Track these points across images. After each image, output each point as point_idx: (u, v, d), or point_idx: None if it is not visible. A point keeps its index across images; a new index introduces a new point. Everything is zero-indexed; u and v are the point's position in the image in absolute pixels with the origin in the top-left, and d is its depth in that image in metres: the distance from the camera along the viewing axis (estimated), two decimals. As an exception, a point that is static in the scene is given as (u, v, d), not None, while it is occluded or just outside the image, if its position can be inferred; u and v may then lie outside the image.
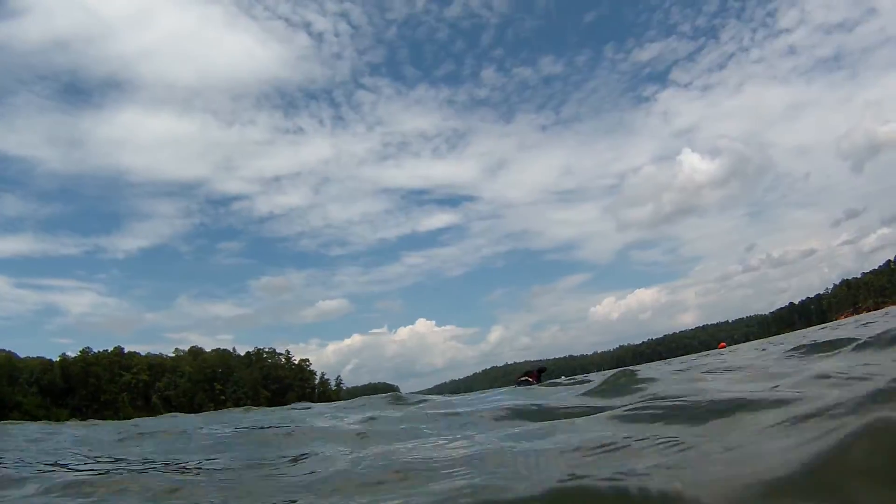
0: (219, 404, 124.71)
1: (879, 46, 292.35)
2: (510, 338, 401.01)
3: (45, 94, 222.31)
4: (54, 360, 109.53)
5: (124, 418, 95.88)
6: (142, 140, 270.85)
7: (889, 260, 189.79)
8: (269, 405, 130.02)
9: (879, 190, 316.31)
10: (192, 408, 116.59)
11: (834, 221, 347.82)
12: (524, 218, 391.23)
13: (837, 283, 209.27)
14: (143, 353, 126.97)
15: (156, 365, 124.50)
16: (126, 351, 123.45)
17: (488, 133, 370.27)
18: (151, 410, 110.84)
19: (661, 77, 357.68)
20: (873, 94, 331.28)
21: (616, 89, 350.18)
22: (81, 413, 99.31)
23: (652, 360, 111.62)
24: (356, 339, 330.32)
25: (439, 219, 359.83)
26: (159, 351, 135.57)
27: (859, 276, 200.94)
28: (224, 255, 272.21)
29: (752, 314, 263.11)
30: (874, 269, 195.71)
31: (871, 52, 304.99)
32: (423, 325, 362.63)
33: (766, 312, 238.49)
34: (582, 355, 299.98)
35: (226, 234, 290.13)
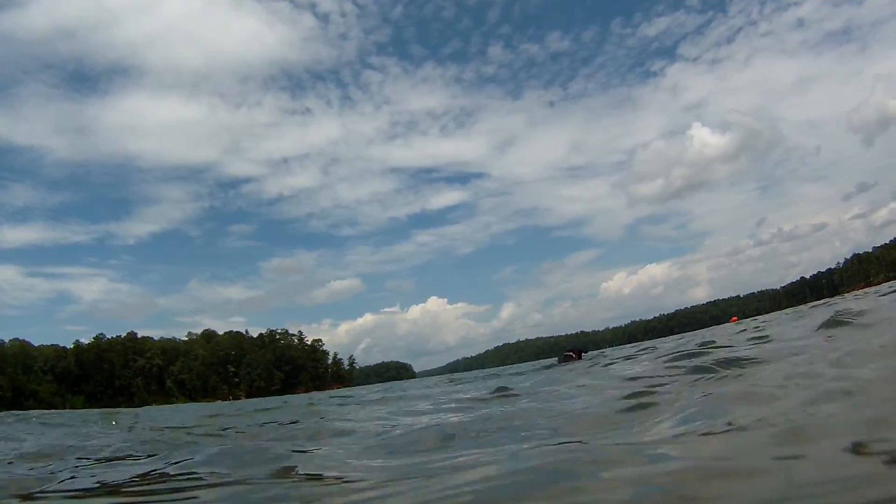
0: (233, 387, 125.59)
1: (889, 19, 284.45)
2: (521, 314, 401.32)
3: (52, 82, 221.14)
4: (68, 347, 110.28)
5: (139, 403, 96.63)
6: (150, 125, 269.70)
7: None
8: (283, 387, 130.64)
9: (891, 164, 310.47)
10: (206, 391, 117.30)
11: (845, 195, 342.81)
12: (533, 195, 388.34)
13: (849, 257, 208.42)
14: (156, 338, 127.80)
15: (169, 349, 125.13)
16: (139, 336, 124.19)
17: (496, 110, 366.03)
18: (166, 395, 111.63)
19: (669, 52, 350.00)
20: (884, 67, 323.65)
21: (624, 64, 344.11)
22: (96, 399, 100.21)
23: (663, 335, 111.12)
24: (368, 319, 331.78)
25: (448, 197, 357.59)
26: (172, 335, 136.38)
27: (870, 250, 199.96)
28: (234, 237, 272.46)
29: (763, 288, 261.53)
30: (885, 244, 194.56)
31: (882, 25, 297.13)
32: (434, 303, 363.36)
33: (778, 287, 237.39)
34: (594, 331, 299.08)
35: (235, 217, 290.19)
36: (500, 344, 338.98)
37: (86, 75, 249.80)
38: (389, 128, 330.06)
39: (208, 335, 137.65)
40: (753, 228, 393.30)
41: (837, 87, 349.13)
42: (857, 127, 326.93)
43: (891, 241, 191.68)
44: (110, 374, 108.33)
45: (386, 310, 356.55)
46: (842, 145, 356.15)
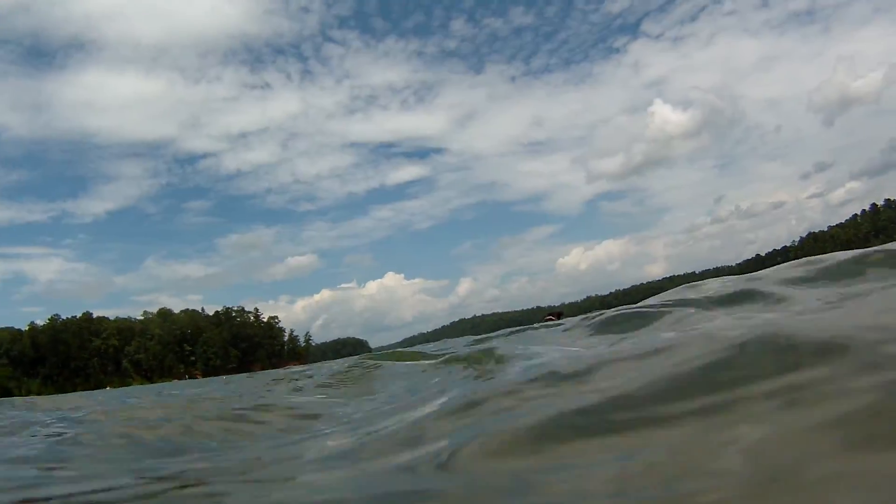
0: (189, 366, 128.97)
1: (853, 1, 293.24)
2: (479, 290, 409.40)
3: (8, 58, 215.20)
4: (24, 329, 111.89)
5: (96, 385, 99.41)
6: (107, 101, 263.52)
7: (856, 214, 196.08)
8: (239, 365, 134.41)
9: (849, 144, 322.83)
10: (163, 371, 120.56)
11: (803, 174, 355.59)
12: (493, 169, 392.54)
13: (805, 235, 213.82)
14: (112, 318, 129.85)
15: (125, 329, 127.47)
16: (95, 316, 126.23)
17: (457, 85, 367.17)
18: (122, 376, 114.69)
19: (632, 28, 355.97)
20: (846, 48, 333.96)
21: (587, 40, 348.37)
22: (52, 382, 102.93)
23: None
24: (325, 295, 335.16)
25: (408, 172, 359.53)
26: (129, 314, 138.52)
27: (826, 229, 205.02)
28: (192, 214, 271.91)
29: (719, 265, 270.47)
30: (841, 223, 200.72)
31: (845, 6, 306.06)
32: (392, 278, 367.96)
33: (734, 264, 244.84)
34: (549, 306, 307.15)
35: (193, 194, 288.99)
36: (457, 319, 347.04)
37: (42, 51, 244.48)
38: (349, 102, 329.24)
39: (164, 314, 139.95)
40: (711, 206, 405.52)
41: (799, 67, 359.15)
42: (818, 107, 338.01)
43: (847, 220, 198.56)
44: (66, 355, 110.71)
45: (343, 286, 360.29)
46: (802, 125, 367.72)
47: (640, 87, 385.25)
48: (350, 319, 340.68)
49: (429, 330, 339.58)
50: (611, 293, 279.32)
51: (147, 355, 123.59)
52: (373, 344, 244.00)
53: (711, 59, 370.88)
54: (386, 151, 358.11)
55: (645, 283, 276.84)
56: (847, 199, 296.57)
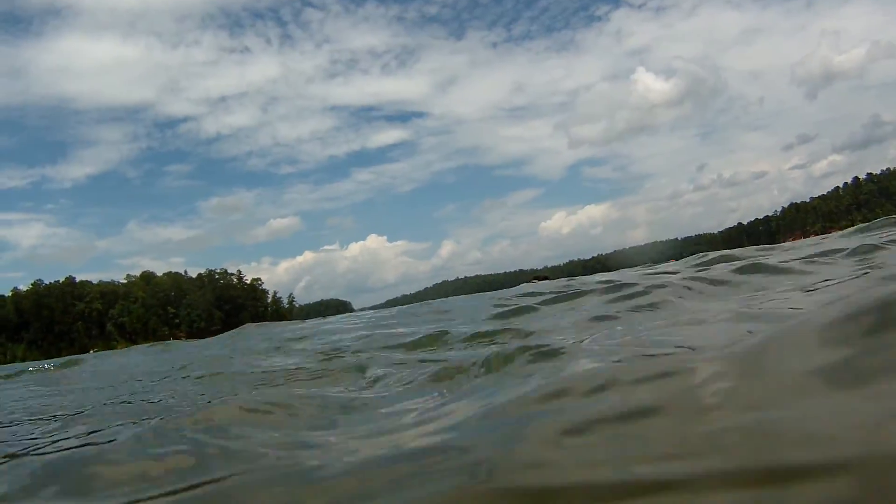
0: (173, 328, 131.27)
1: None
2: (461, 252, 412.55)
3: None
4: (6, 295, 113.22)
5: (80, 349, 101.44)
6: (85, 66, 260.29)
7: (838, 186, 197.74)
8: (223, 327, 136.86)
9: (832, 118, 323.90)
10: (147, 334, 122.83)
11: (786, 146, 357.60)
12: (475, 134, 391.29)
13: (786, 205, 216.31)
14: (95, 282, 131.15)
15: (108, 293, 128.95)
16: (78, 280, 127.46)
17: (439, 50, 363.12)
18: (107, 339, 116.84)
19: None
20: (830, 23, 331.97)
21: (568, 8, 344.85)
22: (37, 347, 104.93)
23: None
24: (308, 257, 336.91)
25: (389, 135, 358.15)
26: (112, 278, 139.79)
27: (808, 200, 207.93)
28: (172, 177, 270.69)
29: (701, 232, 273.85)
30: (823, 195, 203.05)
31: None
32: (374, 240, 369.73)
33: (715, 231, 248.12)
34: (531, 269, 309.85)
35: (174, 157, 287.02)
36: (440, 281, 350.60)
37: (19, 17, 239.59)
38: (330, 66, 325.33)
39: (147, 277, 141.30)
40: (694, 173, 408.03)
41: (783, 41, 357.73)
42: (801, 80, 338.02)
43: (829, 192, 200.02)
44: (50, 320, 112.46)
45: (326, 248, 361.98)
46: (785, 97, 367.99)
47: (623, 55, 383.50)
48: (333, 281, 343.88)
49: (412, 292, 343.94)
50: (593, 257, 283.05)
51: (131, 318, 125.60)
52: (356, 305, 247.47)
53: (694, 29, 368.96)
54: (367, 115, 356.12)
55: (627, 247, 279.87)
56: (829, 171, 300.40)
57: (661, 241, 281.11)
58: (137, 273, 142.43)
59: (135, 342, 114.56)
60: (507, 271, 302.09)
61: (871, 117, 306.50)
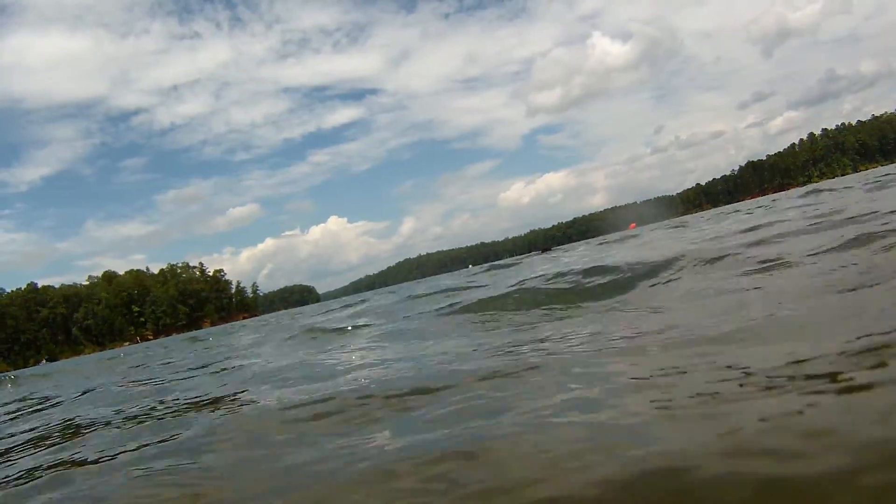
0: (139, 327, 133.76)
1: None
2: (422, 228, 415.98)
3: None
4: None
5: (48, 358, 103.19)
6: (33, 63, 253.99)
7: (794, 143, 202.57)
8: (189, 321, 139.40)
9: (787, 74, 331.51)
10: (113, 335, 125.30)
11: (741, 104, 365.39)
12: (429, 108, 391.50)
13: (743, 164, 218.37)
14: (57, 286, 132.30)
15: (71, 296, 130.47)
16: (39, 286, 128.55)
17: (390, 24, 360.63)
18: (73, 343, 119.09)
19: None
20: None
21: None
22: (4, 357, 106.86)
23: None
24: (269, 244, 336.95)
25: (343, 114, 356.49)
26: (73, 281, 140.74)
27: (764, 157, 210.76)
28: (128, 172, 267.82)
29: (660, 195, 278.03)
30: (779, 151, 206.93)
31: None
32: (335, 222, 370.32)
33: (674, 193, 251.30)
34: (493, 241, 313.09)
35: (128, 151, 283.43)
36: (402, 259, 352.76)
37: None
38: (281, 47, 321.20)
39: (109, 276, 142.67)
40: (651, 136, 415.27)
41: None
42: (756, 38, 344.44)
43: (785, 149, 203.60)
44: (15, 329, 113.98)
45: (287, 233, 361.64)
46: (740, 56, 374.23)
47: (575, 20, 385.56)
48: (296, 266, 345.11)
49: (375, 272, 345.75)
50: (553, 226, 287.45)
51: (96, 320, 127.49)
52: (320, 290, 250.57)
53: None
54: (320, 95, 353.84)
55: (587, 214, 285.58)
56: (785, 128, 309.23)
57: (620, 206, 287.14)
58: (99, 273, 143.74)
59: (102, 346, 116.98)
60: (470, 245, 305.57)
61: (826, 72, 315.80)
